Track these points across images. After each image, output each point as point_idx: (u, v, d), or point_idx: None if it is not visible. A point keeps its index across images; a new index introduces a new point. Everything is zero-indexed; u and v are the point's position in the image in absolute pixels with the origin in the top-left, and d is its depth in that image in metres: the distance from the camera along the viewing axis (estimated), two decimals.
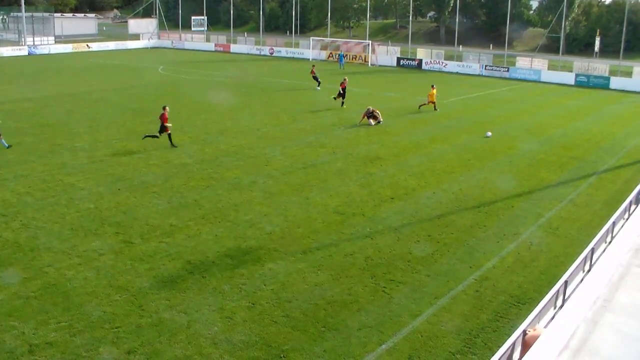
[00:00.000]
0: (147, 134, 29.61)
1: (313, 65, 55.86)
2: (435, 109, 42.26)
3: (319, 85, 51.57)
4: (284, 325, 13.75)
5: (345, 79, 43.27)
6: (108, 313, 13.95)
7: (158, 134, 29.05)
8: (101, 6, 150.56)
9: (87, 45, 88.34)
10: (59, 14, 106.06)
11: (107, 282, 15.47)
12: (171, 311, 14.14)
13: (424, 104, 42.77)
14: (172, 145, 29.04)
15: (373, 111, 37.01)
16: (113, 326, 13.40)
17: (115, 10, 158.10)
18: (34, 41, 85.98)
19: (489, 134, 34.73)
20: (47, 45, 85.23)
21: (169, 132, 28.96)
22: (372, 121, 36.50)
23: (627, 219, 12.33)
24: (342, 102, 42.43)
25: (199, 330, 13.39)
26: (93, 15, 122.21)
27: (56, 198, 21.63)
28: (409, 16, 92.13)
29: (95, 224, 19.33)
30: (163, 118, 28.62)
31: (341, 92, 42.42)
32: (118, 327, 13.38)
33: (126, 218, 19.97)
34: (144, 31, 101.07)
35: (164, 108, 28.90)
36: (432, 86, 43.16)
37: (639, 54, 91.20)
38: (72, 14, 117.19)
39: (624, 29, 71.03)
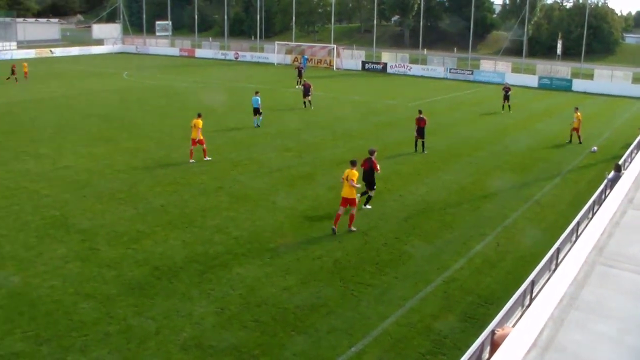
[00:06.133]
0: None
1: None
2: (579, 141, 35.24)
3: None
4: (254, 329, 13.70)
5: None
6: (75, 321, 13.75)
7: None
8: (64, 11, 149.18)
9: (51, 50, 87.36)
10: (21, 19, 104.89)
11: (73, 289, 15.26)
12: (139, 318, 14.01)
13: (577, 132, 35.24)
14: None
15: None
16: (81, 334, 13.21)
17: (79, 15, 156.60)
18: None
19: (595, 148, 33.62)
20: (9, 51, 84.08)
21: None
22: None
23: (591, 219, 12.54)
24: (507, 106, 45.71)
25: (168, 336, 13.27)
26: (56, 20, 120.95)
27: (20, 205, 21.29)
28: (373, 20, 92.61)
29: (61, 232, 19.06)
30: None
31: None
32: (86, 334, 13.20)
33: (92, 225, 19.72)
34: (108, 36, 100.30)
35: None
36: (576, 109, 35.89)
37: (599, 56, 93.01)
38: (34, 19, 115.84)
39: (585, 32, 72.36)
